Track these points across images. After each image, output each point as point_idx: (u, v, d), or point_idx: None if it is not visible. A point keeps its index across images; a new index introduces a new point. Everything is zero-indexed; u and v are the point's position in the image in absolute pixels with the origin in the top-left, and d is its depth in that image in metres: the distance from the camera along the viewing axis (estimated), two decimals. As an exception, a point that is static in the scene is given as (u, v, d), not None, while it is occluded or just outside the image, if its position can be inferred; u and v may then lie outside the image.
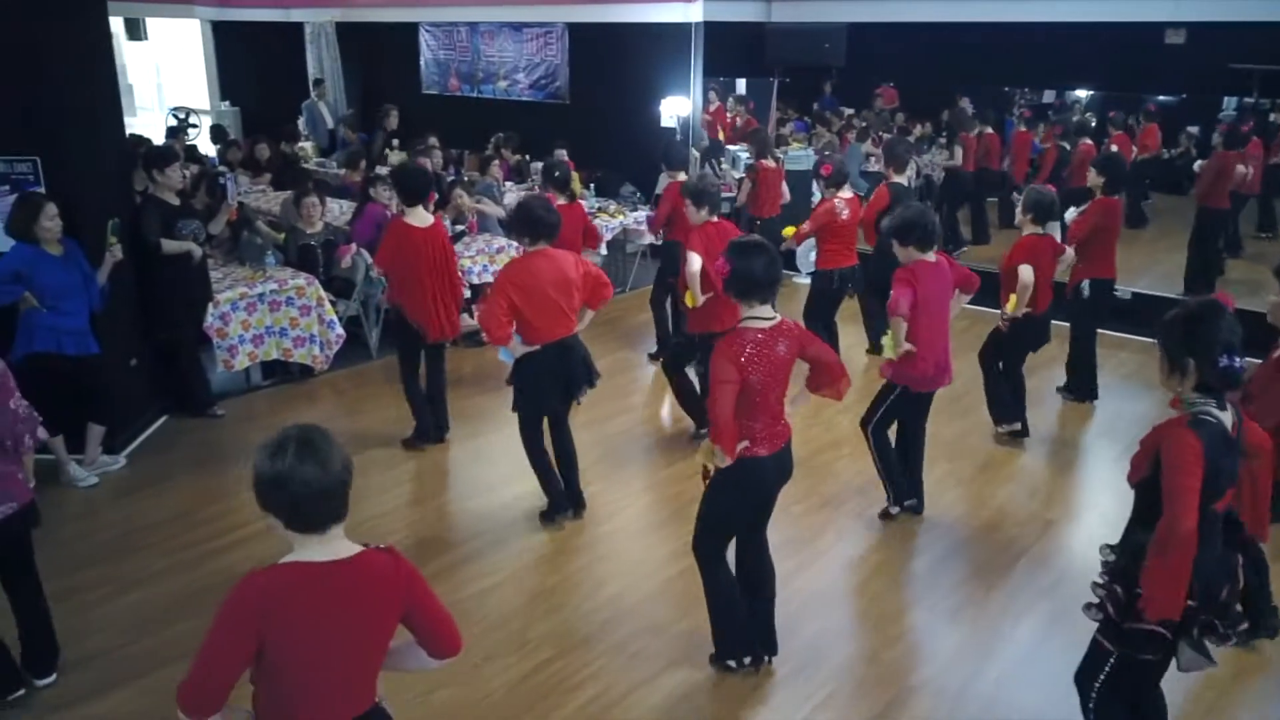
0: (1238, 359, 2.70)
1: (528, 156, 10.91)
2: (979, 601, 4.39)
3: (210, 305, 6.14)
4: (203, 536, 4.83)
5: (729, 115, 11.25)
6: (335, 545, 2.10)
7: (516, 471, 5.39)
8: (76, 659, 3.87)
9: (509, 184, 9.78)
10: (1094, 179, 6.12)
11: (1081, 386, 6.63)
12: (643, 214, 9.40)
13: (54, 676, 3.76)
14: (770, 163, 8.20)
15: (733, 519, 3.74)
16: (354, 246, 7.22)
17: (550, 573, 4.60)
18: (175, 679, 3.72)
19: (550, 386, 4.80)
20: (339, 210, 8.64)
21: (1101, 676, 2.98)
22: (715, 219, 5.54)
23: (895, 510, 5.08)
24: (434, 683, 3.76)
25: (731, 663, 3.84)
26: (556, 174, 6.55)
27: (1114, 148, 8.95)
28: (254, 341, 6.46)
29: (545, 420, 4.97)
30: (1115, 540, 3.12)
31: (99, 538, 4.83)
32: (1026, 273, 5.43)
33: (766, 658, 3.88)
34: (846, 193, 6.68)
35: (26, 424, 3.47)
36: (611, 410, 6.50)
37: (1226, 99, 8.87)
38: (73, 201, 5.11)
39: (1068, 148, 9.69)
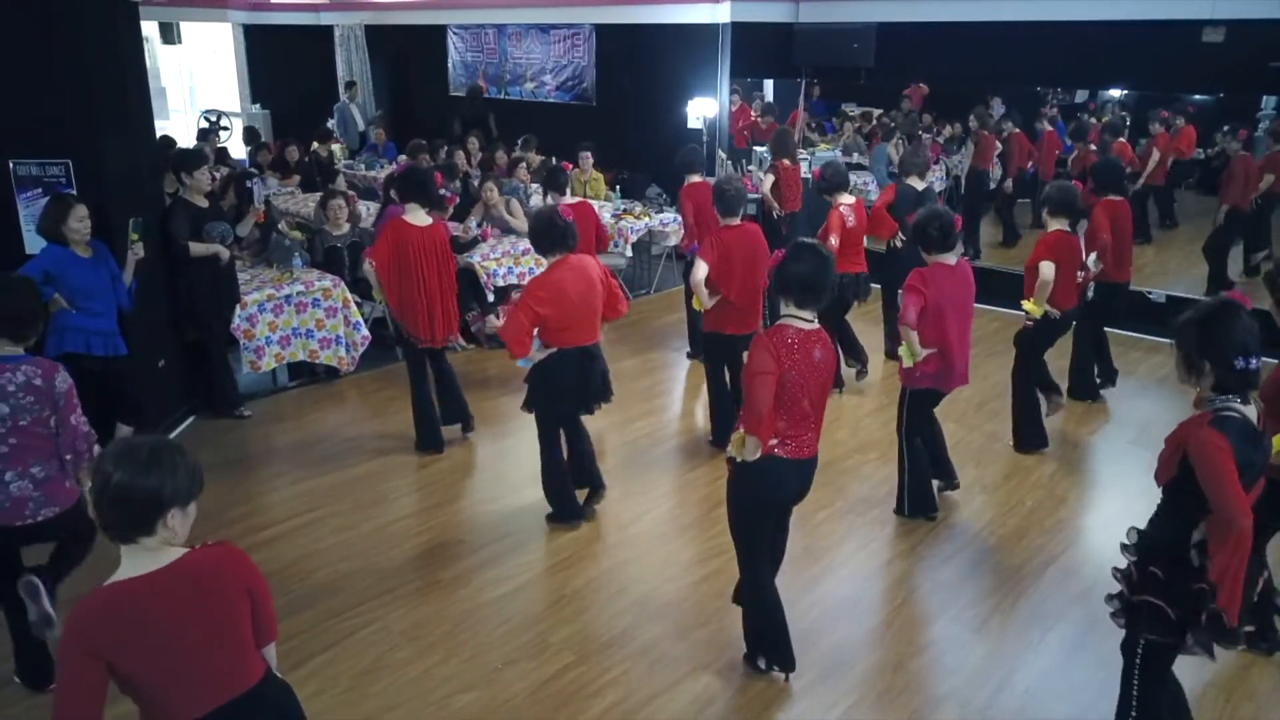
0: (1254, 360, 2.71)
1: (554, 159, 10.91)
2: (1006, 610, 4.32)
3: (237, 307, 6.19)
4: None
5: (754, 116, 11.18)
6: (158, 555, 2.15)
7: (539, 476, 5.40)
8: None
9: (535, 186, 9.79)
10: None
11: (1083, 386, 6.58)
12: (669, 216, 9.37)
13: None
14: (788, 162, 8.17)
15: (756, 516, 3.71)
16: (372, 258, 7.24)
17: (572, 577, 4.58)
18: None
19: (569, 392, 4.80)
20: (367, 212, 8.69)
21: (1138, 667, 3.01)
22: (736, 222, 5.51)
23: (902, 515, 5.11)
24: (454, 687, 3.76)
25: (760, 662, 3.84)
26: (546, 175, 6.59)
27: (1154, 150, 8.84)
28: (280, 343, 6.50)
29: (539, 437, 4.93)
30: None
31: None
32: (1047, 269, 5.35)
33: (788, 673, 3.83)
34: (849, 198, 6.54)
35: (85, 439, 3.54)
36: (635, 413, 6.48)
37: (1265, 98, 8.70)
38: (104, 204, 5.17)
39: (1092, 148, 9.52)
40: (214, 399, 6.28)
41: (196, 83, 16.10)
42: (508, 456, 5.88)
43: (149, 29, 13.74)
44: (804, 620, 4.22)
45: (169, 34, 14.31)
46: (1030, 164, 9.88)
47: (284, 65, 14.05)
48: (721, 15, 9.81)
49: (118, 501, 2.07)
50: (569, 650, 4.01)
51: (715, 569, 4.63)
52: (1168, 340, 8.08)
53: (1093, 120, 9.91)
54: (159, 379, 5.91)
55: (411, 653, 3.96)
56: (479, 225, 8.05)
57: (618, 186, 9.96)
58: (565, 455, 5.01)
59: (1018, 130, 9.77)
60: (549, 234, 4.63)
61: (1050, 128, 9.95)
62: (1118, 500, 5.44)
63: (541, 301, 4.53)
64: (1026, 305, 5.47)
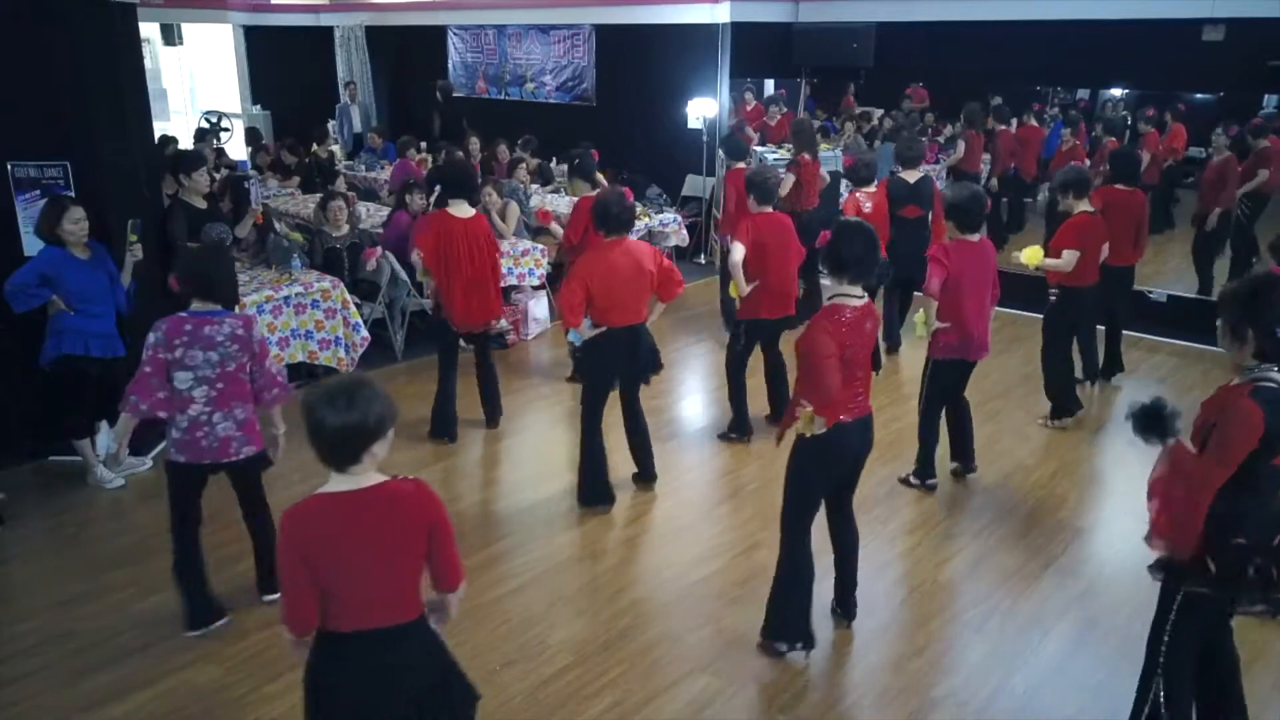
0: None
1: (554, 160, 10.91)
2: (1005, 611, 4.31)
3: (236, 308, 6.17)
4: (229, 538, 4.83)
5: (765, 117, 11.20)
6: (359, 479, 2.41)
7: (543, 473, 5.40)
8: (100, 661, 3.91)
9: (534, 186, 9.79)
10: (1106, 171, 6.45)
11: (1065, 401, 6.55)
12: (669, 216, 9.37)
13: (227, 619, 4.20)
14: (808, 156, 8.18)
15: (816, 488, 3.87)
16: (379, 249, 7.26)
17: (573, 577, 4.57)
18: (195, 682, 3.80)
19: (616, 367, 5.02)
20: (366, 214, 8.71)
21: (1170, 619, 3.10)
22: (769, 210, 5.75)
23: (915, 481, 5.37)
24: (452, 688, 3.75)
25: (781, 645, 3.92)
26: (577, 162, 6.61)
27: (1143, 150, 8.81)
28: (280, 344, 6.49)
29: (620, 406, 5.17)
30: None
31: (126, 539, 4.87)
32: (1070, 257, 5.69)
33: (809, 650, 3.96)
34: (870, 188, 6.76)
35: (279, 381, 4.08)
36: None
37: (1266, 97, 8.67)
38: (102, 205, 5.18)
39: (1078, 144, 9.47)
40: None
41: (197, 84, 16.10)
42: (508, 458, 5.88)
43: (150, 30, 13.75)
44: (803, 621, 4.23)
45: (170, 35, 14.31)
46: (1013, 163, 9.83)
47: (284, 66, 14.04)
48: (721, 15, 9.80)
49: (333, 439, 2.33)
50: (567, 651, 4.00)
51: (714, 570, 4.63)
52: (1168, 340, 8.14)
53: (1079, 118, 9.84)
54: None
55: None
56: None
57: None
58: (629, 440, 5.27)
59: (1003, 128, 9.72)
60: (607, 216, 4.85)
61: (1033, 122, 9.90)
62: (1117, 500, 5.43)
63: (592, 276, 4.74)
64: (1026, 255, 5.70)
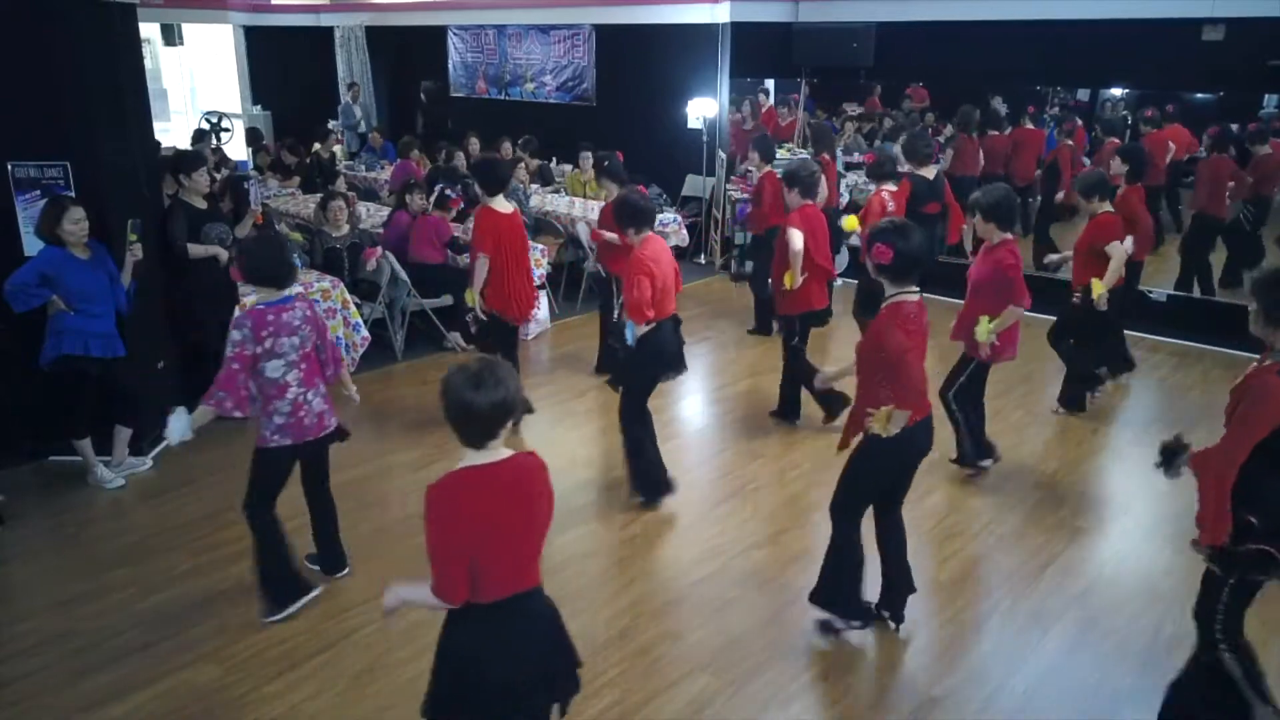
0: None
1: (554, 160, 10.91)
2: (1005, 610, 4.31)
3: (236, 308, 6.18)
4: (228, 538, 4.85)
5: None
6: (493, 453, 2.53)
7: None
8: (100, 660, 3.91)
9: (534, 186, 9.80)
10: (1118, 166, 6.40)
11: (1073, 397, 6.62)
12: (669, 215, 9.36)
13: (347, 569, 4.53)
14: (827, 156, 8.25)
15: (879, 483, 3.96)
16: (379, 250, 7.27)
17: (573, 577, 4.57)
18: (195, 681, 3.80)
19: (672, 357, 5.16)
20: (366, 214, 8.72)
21: (1222, 603, 3.24)
22: (811, 203, 5.92)
23: (986, 464, 5.52)
24: (452, 688, 3.75)
25: (839, 623, 4.06)
26: (607, 164, 6.70)
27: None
28: (280, 344, 6.50)
29: (632, 407, 5.19)
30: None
31: (126, 539, 4.87)
32: (1118, 249, 5.78)
33: (886, 616, 4.13)
34: (892, 185, 6.76)
35: (339, 351, 4.34)
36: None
37: (1266, 97, 8.66)
38: (102, 206, 5.18)
39: (1073, 145, 9.46)
40: (213, 400, 6.28)
41: (198, 84, 16.11)
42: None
43: (151, 30, 13.76)
44: (802, 620, 4.23)
45: (170, 35, 14.33)
46: (1003, 168, 9.76)
47: (285, 66, 14.06)
48: (721, 15, 9.80)
49: (486, 417, 2.45)
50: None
51: (714, 569, 4.63)
52: (1168, 340, 8.14)
53: (1078, 120, 9.83)
54: (158, 380, 5.91)
55: (409, 653, 3.96)
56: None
57: (618, 187, 9.94)
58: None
59: (993, 132, 9.69)
60: (636, 212, 4.99)
61: (1030, 124, 9.87)
62: (1117, 500, 5.43)
63: (651, 271, 4.88)
64: (1095, 285, 5.76)
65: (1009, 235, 5.11)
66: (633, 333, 5.01)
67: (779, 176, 6.65)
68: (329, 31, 14.30)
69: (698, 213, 10.47)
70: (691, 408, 6.75)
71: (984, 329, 5.01)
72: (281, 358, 3.97)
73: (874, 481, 3.96)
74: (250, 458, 4.14)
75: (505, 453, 2.56)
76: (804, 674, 3.87)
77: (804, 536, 4.91)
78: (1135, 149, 6.73)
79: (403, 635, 4.08)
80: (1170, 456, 3.23)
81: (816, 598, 4.12)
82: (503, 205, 5.81)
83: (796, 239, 5.72)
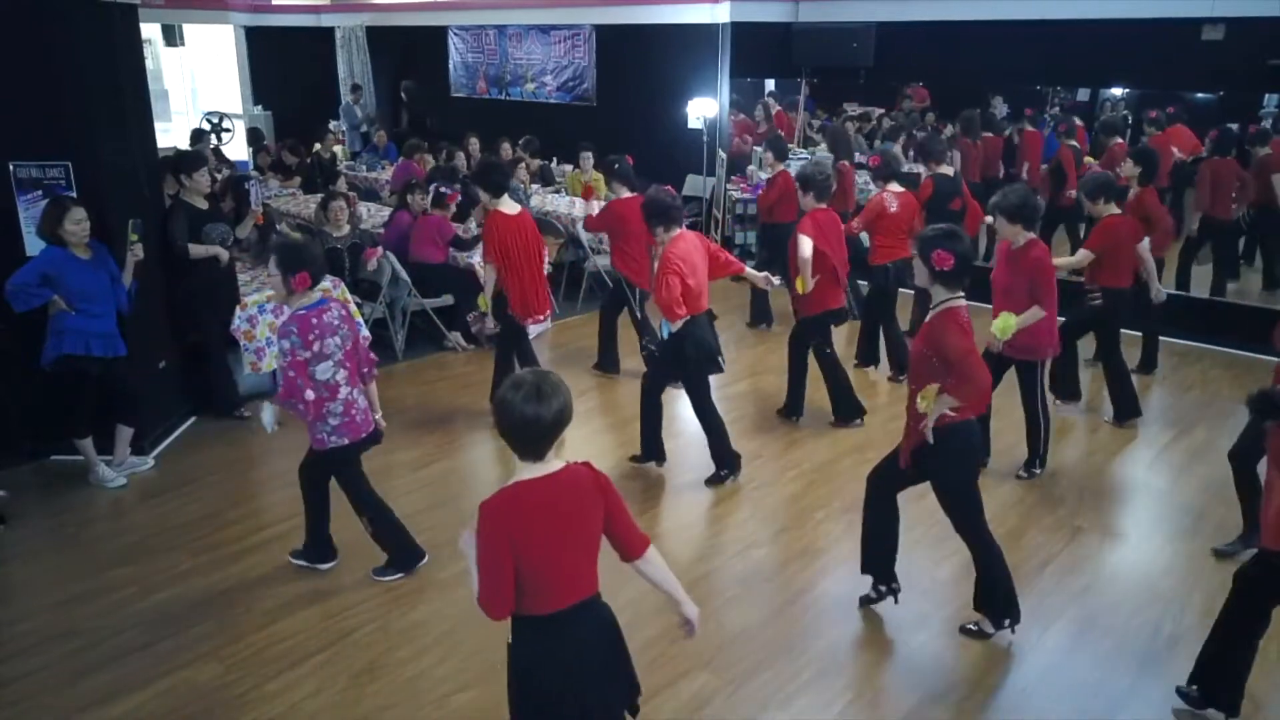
0: None
1: (555, 160, 10.92)
2: (1005, 609, 4.31)
3: (237, 308, 6.20)
4: (229, 538, 4.87)
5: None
6: (547, 465, 2.52)
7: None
8: (100, 659, 3.92)
9: (535, 187, 9.80)
10: (1130, 169, 6.39)
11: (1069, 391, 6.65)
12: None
13: (335, 563, 4.59)
14: (846, 163, 8.31)
15: (973, 483, 3.96)
16: (380, 249, 7.28)
17: (571, 576, 4.58)
18: (196, 680, 3.80)
19: (709, 351, 5.26)
20: (367, 214, 8.73)
21: (1245, 588, 3.38)
22: (825, 206, 5.97)
23: (1037, 471, 5.57)
24: (452, 687, 3.77)
25: (1006, 620, 4.02)
26: (618, 166, 6.80)
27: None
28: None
29: (695, 399, 5.43)
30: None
31: (127, 538, 4.88)
32: (1145, 249, 5.91)
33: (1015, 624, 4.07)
34: (896, 186, 6.75)
35: (369, 354, 4.37)
36: (632, 414, 6.46)
37: (1267, 96, 8.66)
38: (103, 206, 5.19)
39: (1077, 146, 9.44)
40: (214, 400, 6.29)
41: (199, 84, 16.13)
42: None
43: (152, 31, 13.77)
44: (802, 619, 4.24)
45: (171, 36, 14.35)
46: (1002, 170, 9.76)
47: (285, 67, 14.07)
48: (721, 15, 9.82)
49: (544, 430, 2.44)
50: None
51: (713, 568, 4.64)
52: (1169, 339, 8.12)
53: (1076, 120, 9.80)
54: (159, 380, 5.93)
55: (409, 652, 3.97)
56: (479, 226, 8.06)
57: (618, 186, 9.95)
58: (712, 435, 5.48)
59: (988, 135, 9.67)
60: (665, 211, 5.13)
61: (1029, 126, 9.86)
62: (1117, 499, 5.44)
63: (681, 270, 5.01)
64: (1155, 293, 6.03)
65: (1033, 235, 5.11)
66: (667, 329, 5.16)
67: (793, 176, 6.74)
68: (330, 32, 14.32)
69: (698, 213, 10.48)
70: (690, 407, 6.74)
71: (1007, 324, 4.96)
72: (329, 359, 4.03)
73: (966, 482, 3.94)
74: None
75: (559, 464, 2.56)
76: (804, 673, 3.87)
77: (804, 536, 4.91)
78: (1148, 151, 6.72)
79: (403, 634, 4.09)
80: (1268, 407, 3.11)
81: (988, 614, 4.08)
82: (509, 206, 5.88)
83: (805, 246, 5.74)
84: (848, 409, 6.28)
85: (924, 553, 4.79)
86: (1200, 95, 8.87)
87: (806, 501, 5.31)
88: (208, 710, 3.65)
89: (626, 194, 6.69)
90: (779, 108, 11.13)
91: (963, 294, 3.75)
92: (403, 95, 13.41)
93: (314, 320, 3.98)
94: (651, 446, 5.64)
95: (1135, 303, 6.17)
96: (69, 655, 3.95)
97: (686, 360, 5.23)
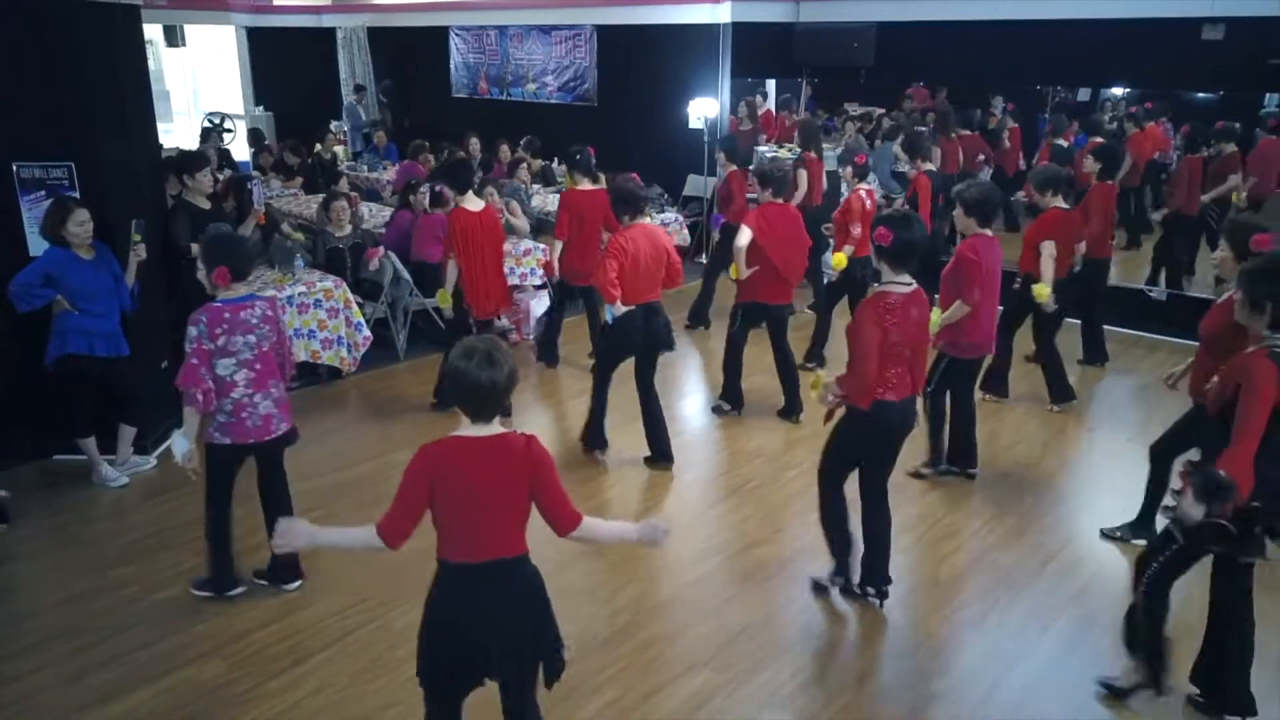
0: None
1: (556, 160, 10.93)
2: (1004, 608, 4.33)
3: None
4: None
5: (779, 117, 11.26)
6: (487, 428, 2.67)
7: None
8: (102, 658, 3.93)
9: (536, 187, 9.81)
10: (1090, 165, 6.57)
11: (1060, 390, 6.66)
12: (670, 215, 9.38)
13: (299, 583, 4.43)
14: (814, 155, 8.30)
15: (853, 452, 4.18)
16: (382, 249, 7.29)
17: (573, 575, 4.58)
18: (199, 678, 3.82)
19: (634, 341, 5.39)
20: (369, 214, 8.75)
21: (1161, 560, 3.47)
22: (781, 201, 6.06)
23: (927, 471, 5.48)
24: (453, 684, 3.77)
25: (839, 579, 4.34)
26: (579, 157, 6.79)
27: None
28: (283, 344, 6.52)
29: (637, 385, 5.57)
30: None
31: (129, 537, 4.90)
32: (1048, 248, 5.82)
33: (872, 592, 4.30)
34: (868, 184, 6.91)
35: (293, 357, 4.38)
36: (633, 413, 6.48)
37: (1268, 96, 8.66)
38: (105, 206, 5.21)
39: (1064, 144, 9.48)
40: (216, 400, 6.30)
41: (200, 85, 16.16)
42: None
43: (153, 32, 13.79)
44: (801, 617, 4.25)
45: (173, 37, 14.37)
46: (984, 167, 9.80)
47: (287, 67, 14.09)
48: (722, 15, 9.82)
49: (490, 393, 2.59)
50: (567, 647, 4.01)
51: (714, 566, 4.65)
52: (1168, 339, 8.13)
53: (1064, 118, 9.83)
54: (162, 380, 5.93)
55: (410, 651, 3.91)
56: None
57: (619, 187, 9.96)
58: (644, 421, 5.62)
59: (967, 132, 9.71)
60: (627, 199, 5.31)
61: (1013, 123, 9.91)
62: (1116, 498, 5.43)
63: (623, 253, 5.16)
64: (1037, 290, 5.78)
65: (986, 232, 5.11)
66: (611, 313, 5.29)
67: (746, 174, 6.98)
68: (331, 32, 14.33)
69: (699, 213, 10.48)
70: (691, 406, 6.77)
71: (931, 320, 4.98)
72: (233, 356, 4.01)
73: (844, 442, 4.16)
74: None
75: (497, 429, 2.69)
76: (803, 671, 3.88)
77: (804, 535, 4.92)
78: (1109, 148, 6.95)
79: (404, 633, 4.10)
80: (1213, 493, 3.10)
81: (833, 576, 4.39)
82: (473, 203, 5.97)
83: (743, 236, 5.87)
84: (731, 396, 6.46)
85: (923, 554, 4.80)
86: (1198, 95, 8.89)
87: (806, 501, 5.29)
88: (210, 708, 3.66)
89: (587, 185, 6.73)
90: (767, 107, 11.11)
91: (909, 282, 3.90)
92: (380, 97, 13.43)
93: (226, 314, 3.98)
94: (596, 433, 5.75)
95: (1068, 294, 6.24)
96: (71, 653, 3.96)
97: (614, 345, 5.46)
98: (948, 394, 5.41)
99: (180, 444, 4.01)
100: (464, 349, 2.61)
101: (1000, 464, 5.69)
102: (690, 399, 6.91)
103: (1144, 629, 3.56)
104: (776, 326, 6.24)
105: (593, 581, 4.55)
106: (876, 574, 4.28)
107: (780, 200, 6.04)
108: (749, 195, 7.50)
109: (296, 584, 4.43)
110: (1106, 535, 4.92)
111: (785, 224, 5.99)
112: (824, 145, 10.40)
